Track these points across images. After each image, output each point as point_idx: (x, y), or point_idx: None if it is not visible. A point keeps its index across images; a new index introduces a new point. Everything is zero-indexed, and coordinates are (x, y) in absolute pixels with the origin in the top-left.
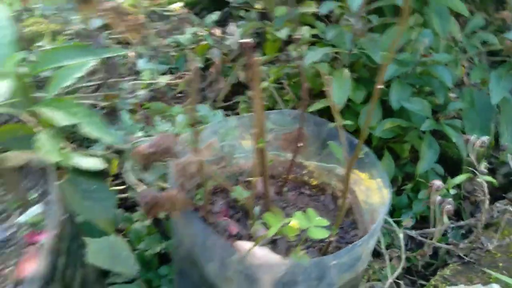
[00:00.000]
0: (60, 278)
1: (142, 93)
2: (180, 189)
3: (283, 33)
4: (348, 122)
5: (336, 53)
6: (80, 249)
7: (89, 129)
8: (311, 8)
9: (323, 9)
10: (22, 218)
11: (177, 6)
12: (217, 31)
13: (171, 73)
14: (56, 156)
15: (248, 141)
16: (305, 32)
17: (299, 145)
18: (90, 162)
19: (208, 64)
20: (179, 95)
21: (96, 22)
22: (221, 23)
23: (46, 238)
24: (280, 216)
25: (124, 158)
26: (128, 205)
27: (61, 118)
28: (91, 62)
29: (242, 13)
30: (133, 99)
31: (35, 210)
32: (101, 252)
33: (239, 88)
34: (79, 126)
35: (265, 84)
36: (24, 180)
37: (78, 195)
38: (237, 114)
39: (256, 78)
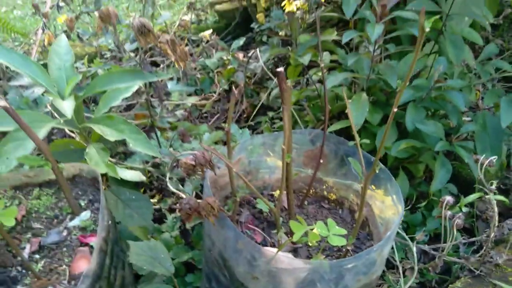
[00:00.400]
0: (106, 277)
1: (179, 112)
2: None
3: (305, 59)
4: (366, 140)
5: (355, 77)
6: (121, 252)
7: (135, 145)
8: (332, 36)
9: (345, 38)
10: (74, 223)
11: (207, 33)
12: (240, 55)
13: (196, 94)
14: (103, 168)
15: (272, 158)
16: (325, 58)
17: (320, 161)
18: (132, 174)
19: (232, 86)
20: (205, 115)
21: (130, 46)
22: (244, 47)
23: (96, 240)
24: (303, 223)
25: (160, 171)
26: (156, 217)
27: (110, 134)
28: (138, 84)
29: (264, 38)
30: (171, 118)
31: (85, 216)
32: (142, 254)
33: (260, 109)
34: (126, 141)
35: None
36: (75, 189)
37: (120, 204)
38: (259, 133)
39: (287, 101)
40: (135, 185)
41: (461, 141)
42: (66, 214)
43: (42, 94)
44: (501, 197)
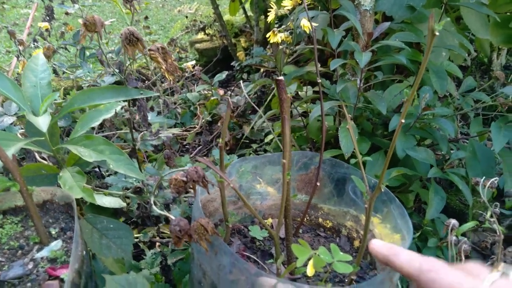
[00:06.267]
0: None
1: (164, 135)
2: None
3: (291, 89)
4: (368, 158)
5: (340, 107)
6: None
7: (116, 166)
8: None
9: (333, 65)
10: (42, 253)
11: (190, 64)
12: (221, 92)
13: (176, 127)
14: (78, 192)
15: (263, 185)
16: (308, 89)
17: (317, 184)
18: (111, 200)
19: (214, 119)
20: (186, 147)
21: (109, 79)
22: (224, 84)
23: (67, 272)
24: (307, 247)
25: (141, 198)
26: (133, 254)
27: (89, 155)
28: (121, 104)
29: (245, 76)
30: (155, 141)
31: (55, 245)
32: None
33: (243, 142)
34: (106, 162)
35: (270, 137)
36: (45, 216)
37: (96, 233)
38: None
39: (287, 111)
40: (113, 214)
41: (452, 169)
42: (33, 244)
43: (12, 124)
44: (499, 227)
